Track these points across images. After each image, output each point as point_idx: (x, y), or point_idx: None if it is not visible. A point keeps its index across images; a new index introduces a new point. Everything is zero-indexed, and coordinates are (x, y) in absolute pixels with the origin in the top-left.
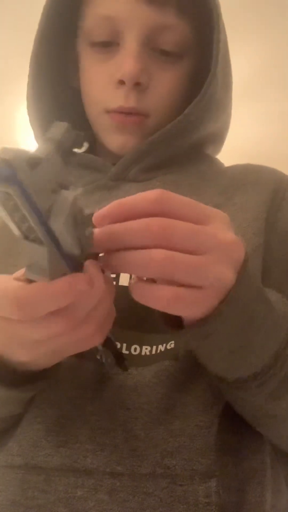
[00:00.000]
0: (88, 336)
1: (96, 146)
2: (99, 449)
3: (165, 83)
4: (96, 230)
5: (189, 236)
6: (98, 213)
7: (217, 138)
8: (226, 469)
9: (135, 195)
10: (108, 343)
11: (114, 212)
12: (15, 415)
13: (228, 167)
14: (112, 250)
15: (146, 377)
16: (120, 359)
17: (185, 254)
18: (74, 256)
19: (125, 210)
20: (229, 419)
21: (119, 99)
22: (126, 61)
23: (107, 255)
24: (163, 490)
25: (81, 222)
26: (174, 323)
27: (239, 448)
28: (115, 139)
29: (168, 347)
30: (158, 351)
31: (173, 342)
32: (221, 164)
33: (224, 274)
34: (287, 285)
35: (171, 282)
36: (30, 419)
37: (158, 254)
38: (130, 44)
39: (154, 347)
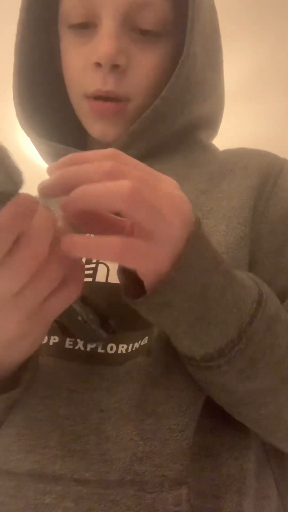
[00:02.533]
0: (54, 277)
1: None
2: (68, 455)
3: (145, 64)
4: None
5: (143, 179)
6: (51, 164)
7: (210, 122)
8: (202, 474)
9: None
10: (87, 302)
11: (67, 162)
12: None
13: (221, 152)
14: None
15: (119, 375)
16: (105, 322)
17: (147, 193)
18: None
19: (78, 161)
20: (211, 420)
21: (96, 82)
22: (103, 43)
23: (67, 197)
24: (131, 498)
25: None
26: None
27: (219, 452)
28: (96, 127)
29: (142, 343)
30: (134, 349)
31: (147, 337)
32: (214, 150)
33: (174, 224)
34: (279, 277)
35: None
36: (4, 424)
37: (127, 184)
38: (107, 25)
39: (131, 344)
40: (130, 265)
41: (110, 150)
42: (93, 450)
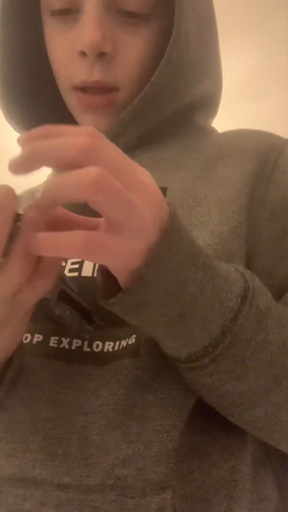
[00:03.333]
0: (19, 270)
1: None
2: (49, 459)
3: (134, 49)
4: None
5: (117, 165)
6: (23, 134)
7: (207, 103)
8: (190, 476)
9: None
10: (65, 297)
11: (39, 134)
12: None
13: (219, 135)
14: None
15: (105, 377)
16: (86, 315)
17: (116, 180)
18: None
19: (52, 134)
20: (203, 420)
21: (82, 72)
22: (86, 29)
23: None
24: (112, 503)
25: None
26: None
27: (210, 453)
28: (86, 121)
29: (130, 342)
30: (120, 347)
31: (134, 336)
32: (212, 133)
33: (145, 216)
34: (280, 267)
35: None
36: None
37: (94, 171)
38: (90, 9)
39: (117, 342)
40: (97, 261)
41: (89, 128)
42: (75, 454)
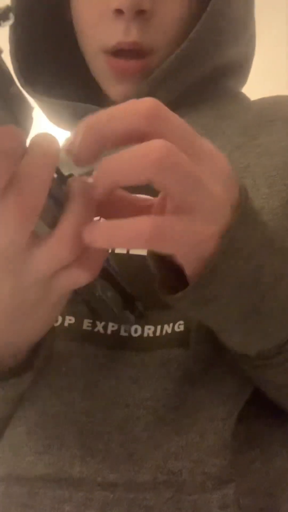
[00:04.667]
0: (65, 249)
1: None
2: (89, 454)
3: (174, 6)
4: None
5: (184, 133)
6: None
7: (239, 68)
8: (252, 467)
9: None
10: (109, 277)
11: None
12: (4, 417)
13: (254, 101)
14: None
15: (149, 366)
16: (129, 301)
17: (183, 154)
18: None
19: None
20: (259, 405)
21: (117, 33)
22: None
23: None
24: (168, 501)
25: None
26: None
27: (271, 441)
28: (115, 89)
29: (177, 329)
30: (164, 333)
31: (182, 322)
32: (245, 99)
33: (217, 194)
34: None
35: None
36: (13, 420)
37: (160, 144)
38: None
39: (159, 327)
40: (164, 250)
41: (148, 98)
42: (117, 450)
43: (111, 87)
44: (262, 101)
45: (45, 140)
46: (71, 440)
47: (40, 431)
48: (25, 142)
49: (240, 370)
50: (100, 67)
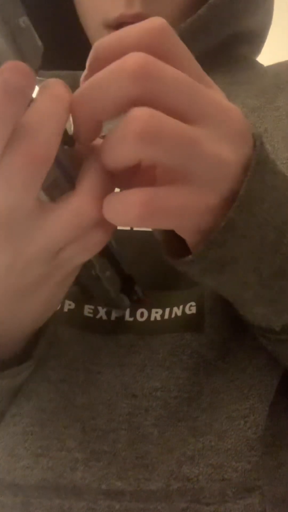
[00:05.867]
0: (88, 206)
1: None
2: (93, 458)
3: None
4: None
5: (180, 86)
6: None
7: (255, 37)
8: (280, 472)
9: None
10: (109, 256)
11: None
12: None
13: (269, 66)
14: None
15: (158, 353)
16: (128, 284)
17: (174, 119)
18: None
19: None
20: (284, 398)
21: (119, 4)
22: None
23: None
24: None
25: None
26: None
27: None
28: None
29: (188, 311)
30: (173, 316)
31: (193, 304)
32: (261, 66)
33: (222, 155)
34: None
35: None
36: (7, 418)
37: (140, 112)
38: None
39: (167, 310)
40: (159, 226)
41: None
42: (125, 451)
43: None
44: (278, 66)
45: (56, 85)
46: (72, 440)
47: (38, 430)
48: (34, 83)
49: (263, 356)
50: None
